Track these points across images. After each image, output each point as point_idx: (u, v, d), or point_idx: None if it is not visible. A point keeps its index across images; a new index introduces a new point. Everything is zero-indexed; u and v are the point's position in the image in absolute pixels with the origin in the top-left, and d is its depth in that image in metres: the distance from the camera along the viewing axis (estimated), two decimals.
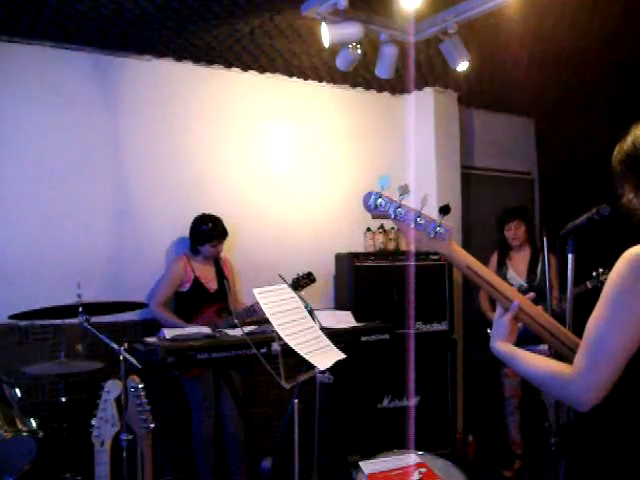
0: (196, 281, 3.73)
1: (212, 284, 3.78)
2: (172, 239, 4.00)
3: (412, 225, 1.44)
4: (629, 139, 1.42)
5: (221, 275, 3.84)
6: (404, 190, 1.45)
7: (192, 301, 3.71)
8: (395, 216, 1.45)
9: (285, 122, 4.48)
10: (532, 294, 1.57)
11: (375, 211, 1.47)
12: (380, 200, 1.46)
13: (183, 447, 3.87)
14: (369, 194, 1.48)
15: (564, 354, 1.47)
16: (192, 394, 3.67)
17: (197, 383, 3.62)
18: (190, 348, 2.76)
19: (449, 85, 4.77)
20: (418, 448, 2.94)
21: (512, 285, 3.94)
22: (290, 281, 3.65)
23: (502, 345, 1.51)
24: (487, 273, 1.48)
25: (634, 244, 1.31)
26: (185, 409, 3.81)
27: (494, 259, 4.29)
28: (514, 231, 4.17)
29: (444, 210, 1.44)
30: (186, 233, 4.01)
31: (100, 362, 3.07)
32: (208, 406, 3.66)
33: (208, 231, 3.71)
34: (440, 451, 3.78)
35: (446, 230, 1.44)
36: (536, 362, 1.42)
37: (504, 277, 4.08)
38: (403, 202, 1.47)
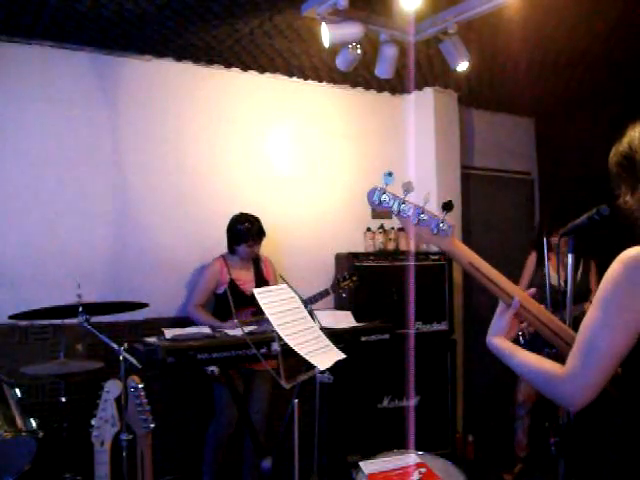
0: (232, 283, 3.67)
1: (249, 286, 3.67)
2: (172, 238, 4.00)
3: (415, 221, 1.44)
4: (624, 140, 1.43)
5: (260, 277, 3.78)
6: (408, 187, 1.45)
7: (227, 303, 3.65)
8: (399, 212, 1.46)
9: (285, 122, 4.48)
10: (532, 290, 1.58)
11: (379, 206, 1.48)
12: (384, 196, 1.47)
13: (183, 447, 3.87)
14: (374, 190, 1.49)
15: (566, 352, 1.48)
16: (218, 397, 3.62)
17: (225, 388, 3.53)
18: (190, 348, 2.76)
19: (449, 85, 4.77)
20: (418, 448, 2.95)
21: (552, 285, 3.93)
22: (331, 282, 3.75)
23: (498, 340, 1.52)
24: (489, 270, 1.48)
25: (632, 245, 1.32)
26: (185, 410, 3.81)
27: (532, 259, 4.20)
28: (563, 243, 4.08)
29: (447, 207, 1.44)
30: (186, 232, 4.02)
31: (100, 362, 3.07)
32: (231, 413, 3.59)
33: (244, 231, 3.66)
34: (440, 451, 3.78)
35: (449, 227, 1.44)
36: (530, 360, 1.42)
37: (543, 276, 4.05)
38: (407, 199, 1.47)
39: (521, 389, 4.18)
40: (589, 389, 1.28)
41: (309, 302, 3.63)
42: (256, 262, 3.82)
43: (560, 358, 1.58)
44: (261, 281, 3.76)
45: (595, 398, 1.29)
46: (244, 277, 3.74)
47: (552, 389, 1.36)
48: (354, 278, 3.75)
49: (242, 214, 3.75)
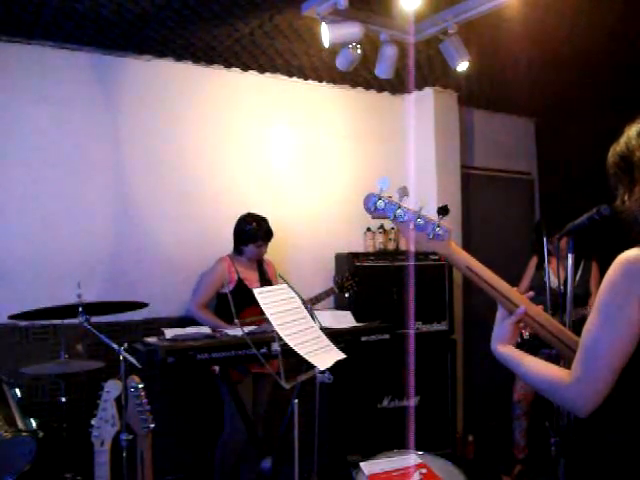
0: (240, 282, 3.64)
1: (255, 286, 3.62)
2: (172, 238, 4.00)
3: (411, 226, 1.44)
4: (622, 140, 1.42)
5: (264, 278, 3.76)
6: (403, 192, 1.45)
7: (234, 302, 3.62)
8: (395, 217, 1.45)
9: (285, 122, 4.48)
10: (531, 293, 1.57)
11: (375, 213, 1.48)
12: (380, 202, 1.47)
13: (183, 447, 3.87)
14: (369, 196, 1.49)
15: (568, 356, 1.47)
16: (229, 402, 3.49)
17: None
18: (190, 348, 2.76)
19: (449, 85, 4.77)
20: (418, 448, 2.95)
21: (551, 287, 3.97)
22: (333, 283, 3.76)
23: (504, 348, 1.50)
24: (487, 273, 1.48)
25: (632, 246, 1.31)
26: (185, 410, 3.80)
27: (533, 263, 4.21)
28: (563, 244, 4.09)
29: (442, 211, 1.44)
30: (185, 232, 4.02)
31: (100, 362, 3.07)
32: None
33: (252, 231, 3.63)
34: (440, 451, 3.78)
35: (445, 231, 1.44)
36: (537, 367, 1.42)
37: (542, 279, 4.05)
38: (403, 204, 1.47)
39: (517, 388, 4.17)
40: (595, 393, 1.28)
41: (315, 301, 3.61)
42: (260, 263, 3.81)
43: (560, 359, 1.57)
44: (265, 282, 3.74)
45: (602, 402, 1.28)
46: (251, 277, 3.71)
47: (559, 396, 1.35)
48: (356, 278, 3.75)
49: (249, 214, 3.73)
